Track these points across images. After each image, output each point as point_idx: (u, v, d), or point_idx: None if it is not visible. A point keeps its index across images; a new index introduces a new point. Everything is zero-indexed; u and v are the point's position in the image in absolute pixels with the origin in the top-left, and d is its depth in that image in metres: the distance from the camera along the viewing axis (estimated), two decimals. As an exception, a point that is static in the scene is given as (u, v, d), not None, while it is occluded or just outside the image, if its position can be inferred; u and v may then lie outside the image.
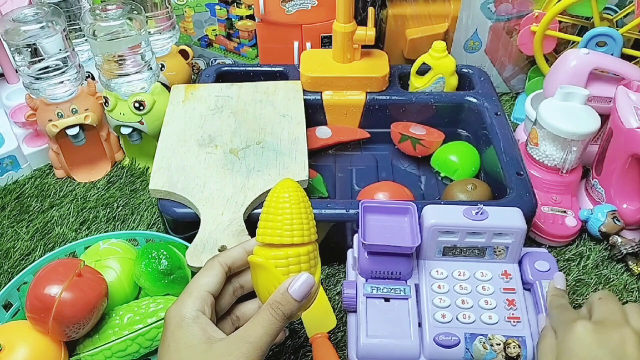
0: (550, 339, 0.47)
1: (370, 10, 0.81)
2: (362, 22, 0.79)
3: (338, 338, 0.60)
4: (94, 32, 0.70)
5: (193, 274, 0.60)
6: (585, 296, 0.65)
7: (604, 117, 0.70)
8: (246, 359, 0.41)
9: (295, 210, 0.45)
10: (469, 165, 0.74)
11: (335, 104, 0.79)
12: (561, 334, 0.46)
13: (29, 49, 0.70)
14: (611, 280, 0.67)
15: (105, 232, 0.73)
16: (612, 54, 0.77)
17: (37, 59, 0.71)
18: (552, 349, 0.46)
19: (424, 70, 0.81)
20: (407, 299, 0.54)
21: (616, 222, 0.68)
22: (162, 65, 0.85)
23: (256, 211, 0.61)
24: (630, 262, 0.67)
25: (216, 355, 0.40)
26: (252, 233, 0.57)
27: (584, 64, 0.72)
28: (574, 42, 0.84)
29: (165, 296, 0.59)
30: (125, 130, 0.77)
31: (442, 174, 0.76)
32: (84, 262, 0.57)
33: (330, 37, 0.81)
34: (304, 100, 0.76)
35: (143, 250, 0.60)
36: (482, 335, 0.52)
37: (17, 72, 0.84)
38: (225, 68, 0.85)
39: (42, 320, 0.53)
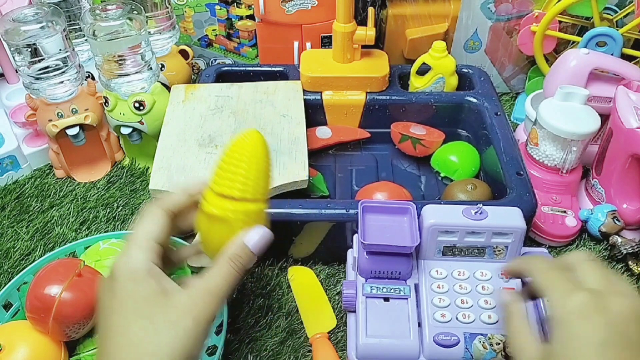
0: (520, 303, 0.45)
1: (370, 10, 0.81)
2: (362, 22, 0.79)
3: (338, 338, 0.60)
4: (94, 32, 0.70)
5: (193, 274, 0.60)
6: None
7: (604, 117, 0.70)
8: (209, 310, 0.40)
9: (262, 166, 0.43)
10: (469, 166, 0.74)
11: (335, 104, 0.79)
12: (557, 304, 0.40)
13: (29, 49, 0.70)
14: (611, 280, 0.66)
15: (105, 232, 0.73)
16: (612, 54, 0.77)
17: (37, 59, 0.71)
18: (524, 314, 0.44)
19: (424, 70, 0.81)
20: (406, 298, 0.54)
21: (616, 222, 0.68)
22: (162, 65, 0.85)
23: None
24: (630, 262, 0.67)
25: (177, 306, 0.39)
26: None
27: (584, 64, 0.72)
28: (574, 42, 0.84)
29: None
30: (125, 130, 0.77)
31: (442, 174, 0.76)
32: (84, 262, 0.57)
33: (330, 37, 0.81)
34: (304, 100, 0.76)
35: None
36: (481, 334, 0.52)
37: (17, 72, 0.84)
38: (225, 68, 0.85)
39: (42, 320, 0.53)
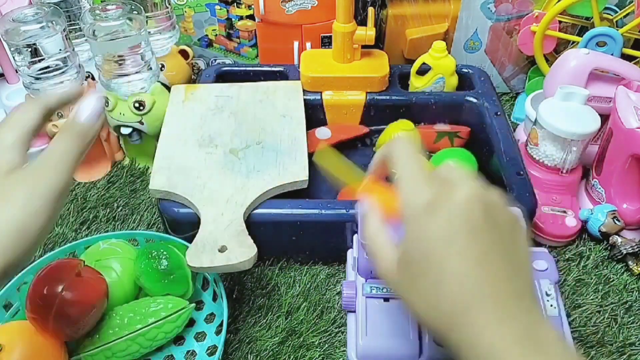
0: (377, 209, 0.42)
1: (370, 10, 0.81)
2: (362, 22, 0.79)
3: (338, 338, 0.60)
4: (94, 32, 0.70)
5: (193, 274, 0.60)
6: (585, 296, 0.65)
7: (604, 117, 0.70)
8: (47, 181, 0.39)
9: None
10: None
11: (335, 104, 0.79)
12: (407, 202, 0.38)
13: (29, 49, 0.70)
14: (611, 280, 0.67)
15: (105, 232, 0.73)
16: (612, 54, 0.77)
17: (37, 59, 0.71)
18: (379, 219, 0.41)
19: (424, 70, 0.81)
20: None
21: (616, 222, 0.68)
22: (162, 65, 0.85)
23: (256, 211, 0.61)
24: (630, 262, 0.67)
25: (10, 181, 0.39)
26: (253, 234, 0.57)
27: (584, 64, 0.72)
28: (574, 42, 0.84)
29: (166, 296, 0.59)
30: (125, 130, 0.77)
31: None
32: (83, 262, 0.57)
33: (330, 37, 0.81)
34: (304, 100, 0.76)
35: (143, 250, 0.60)
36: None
37: (17, 72, 0.84)
38: (225, 68, 0.85)
39: (42, 320, 0.53)
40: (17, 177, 0.39)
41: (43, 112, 0.43)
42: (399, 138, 0.43)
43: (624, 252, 0.67)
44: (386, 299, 0.54)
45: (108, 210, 0.76)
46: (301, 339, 0.60)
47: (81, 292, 0.53)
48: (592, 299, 0.64)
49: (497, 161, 0.69)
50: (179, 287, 0.60)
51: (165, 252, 0.59)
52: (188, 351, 0.59)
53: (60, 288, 0.52)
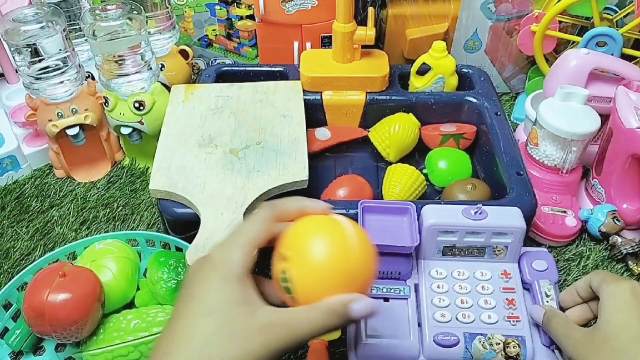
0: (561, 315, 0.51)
1: (370, 10, 0.81)
2: (362, 22, 0.79)
3: (337, 338, 0.60)
4: (94, 32, 0.70)
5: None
6: (585, 296, 0.64)
7: (604, 117, 0.70)
8: (280, 344, 0.38)
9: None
10: (455, 176, 0.73)
11: (335, 104, 0.79)
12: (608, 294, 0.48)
13: (29, 49, 0.70)
14: (611, 280, 0.66)
15: (105, 232, 0.73)
16: (612, 54, 0.77)
17: (37, 59, 0.71)
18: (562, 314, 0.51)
19: (424, 70, 0.81)
20: (406, 298, 0.54)
21: (616, 222, 0.68)
22: (162, 65, 0.85)
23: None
24: (630, 262, 0.67)
25: (257, 324, 0.37)
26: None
27: (584, 64, 0.72)
28: (574, 42, 0.84)
29: None
30: (125, 130, 0.77)
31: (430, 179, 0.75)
32: (71, 263, 0.57)
33: (330, 37, 0.81)
34: (304, 100, 0.76)
35: (158, 259, 0.60)
36: (481, 334, 0.52)
37: (17, 72, 0.84)
38: (225, 68, 0.85)
39: (41, 327, 0.53)
40: (260, 321, 0.38)
41: (273, 227, 0.42)
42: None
43: (624, 252, 0.67)
44: (386, 299, 0.54)
45: (108, 210, 0.76)
46: (301, 339, 0.59)
47: (69, 292, 0.53)
48: (592, 299, 0.64)
49: (497, 161, 0.69)
50: None
51: (183, 261, 0.59)
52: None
53: (45, 294, 0.52)
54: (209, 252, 0.41)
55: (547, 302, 0.54)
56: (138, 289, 0.62)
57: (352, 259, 0.39)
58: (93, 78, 0.85)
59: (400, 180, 0.71)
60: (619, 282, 0.48)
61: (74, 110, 0.76)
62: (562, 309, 0.54)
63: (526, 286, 0.56)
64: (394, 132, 0.75)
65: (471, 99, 0.78)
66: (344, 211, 0.61)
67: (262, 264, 0.42)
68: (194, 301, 0.38)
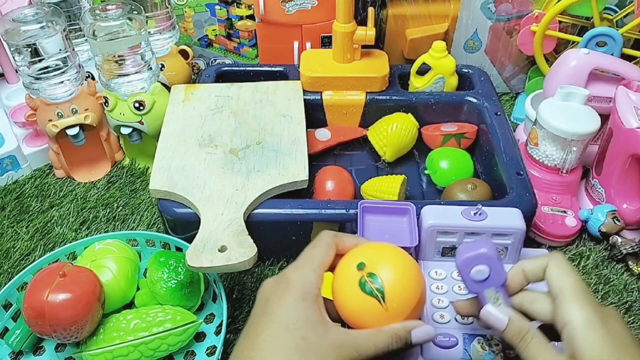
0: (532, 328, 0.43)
1: (370, 10, 0.81)
2: (362, 22, 0.79)
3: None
4: (94, 32, 0.70)
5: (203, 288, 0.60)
6: (585, 296, 0.64)
7: (604, 117, 0.70)
8: None
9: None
10: (457, 176, 0.73)
11: (335, 104, 0.79)
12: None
13: (29, 49, 0.70)
14: (611, 280, 0.67)
15: (105, 232, 0.73)
16: (612, 54, 0.77)
17: (37, 59, 0.71)
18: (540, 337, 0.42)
19: (424, 70, 0.81)
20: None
21: (616, 222, 0.68)
22: (162, 65, 0.85)
23: (256, 211, 0.61)
24: (630, 262, 0.67)
25: (330, 342, 0.41)
26: (253, 234, 0.57)
27: (584, 64, 0.72)
28: (574, 42, 0.84)
29: (175, 307, 0.59)
30: (125, 130, 0.77)
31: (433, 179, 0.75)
32: (71, 263, 0.57)
33: (330, 37, 0.81)
34: (304, 100, 0.76)
35: (157, 259, 0.60)
36: (480, 336, 0.52)
37: (17, 72, 0.84)
38: (225, 68, 0.85)
39: (41, 327, 0.53)
40: (333, 339, 0.41)
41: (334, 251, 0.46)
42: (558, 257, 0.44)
43: (624, 252, 0.67)
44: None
45: (108, 210, 0.76)
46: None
47: (69, 292, 0.53)
48: (592, 299, 0.64)
49: (497, 161, 0.69)
50: (192, 301, 0.60)
51: (183, 261, 0.59)
52: (188, 351, 0.59)
53: (45, 294, 0.52)
54: (282, 273, 0.44)
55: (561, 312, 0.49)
56: (138, 289, 0.62)
57: (422, 283, 0.44)
58: (93, 78, 0.85)
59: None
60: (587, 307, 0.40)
61: (74, 110, 0.76)
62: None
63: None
64: (392, 131, 0.75)
65: (471, 99, 0.78)
66: (343, 211, 0.61)
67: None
68: (274, 317, 0.41)
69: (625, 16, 0.80)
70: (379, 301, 0.42)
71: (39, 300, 0.52)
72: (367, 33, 0.76)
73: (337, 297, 0.44)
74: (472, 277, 0.43)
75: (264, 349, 0.40)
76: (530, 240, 0.71)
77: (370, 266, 0.43)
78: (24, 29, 0.70)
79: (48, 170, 0.83)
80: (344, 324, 0.45)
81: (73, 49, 0.75)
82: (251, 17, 0.93)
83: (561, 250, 0.70)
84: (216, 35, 0.99)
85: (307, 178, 0.64)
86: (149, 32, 0.81)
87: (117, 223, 0.74)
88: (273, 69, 0.85)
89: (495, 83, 0.87)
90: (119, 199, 0.77)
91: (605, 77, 0.75)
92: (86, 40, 0.75)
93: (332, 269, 0.46)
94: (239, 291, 0.64)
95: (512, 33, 0.89)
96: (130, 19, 0.71)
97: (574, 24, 0.84)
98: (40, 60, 0.72)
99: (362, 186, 0.73)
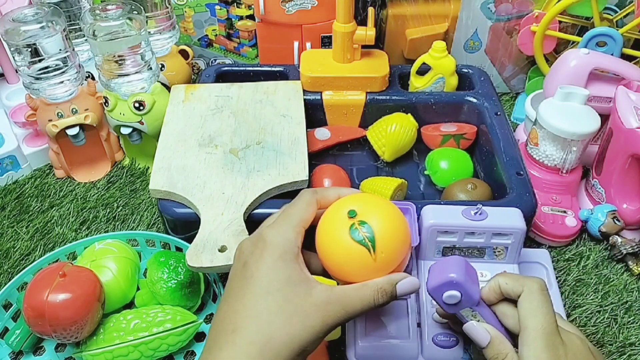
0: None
1: (370, 10, 0.81)
2: (362, 22, 0.79)
3: (337, 338, 0.60)
4: (94, 32, 0.70)
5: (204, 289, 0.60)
6: (585, 296, 0.65)
7: (604, 117, 0.70)
8: (336, 320, 0.40)
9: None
10: (457, 176, 0.73)
11: (335, 104, 0.79)
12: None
13: (29, 49, 0.70)
14: (611, 280, 0.67)
15: (105, 232, 0.73)
16: (612, 54, 0.77)
17: (37, 59, 0.71)
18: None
19: (424, 70, 0.81)
20: (406, 299, 0.54)
21: (616, 222, 0.68)
22: (162, 65, 0.85)
23: (256, 211, 0.61)
24: (630, 262, 0.67)
25: (314, 301, 0.40)
26: (252, 233, 0.57)
27: (584, 64, 0.72)
28: (574, 42, 0.84)
29: (175, 307, 0.59)
30: (125, 130, 0.77)
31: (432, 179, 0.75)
32: (71, 263, 0.57)
33: (330, 37, 0.81)
34: (304, 100, 0.76)
35: (157, 259, 0.60)
36: (481, 335, 0.52)
37: (17, 72, 0.84)
38: (225, 68, 0.85)
39: (41, 327, 0.53)
40: (317, 299, 0.40)
41: (315, 207, 0.45)
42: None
43: (624, 252, 0.67)
44: (386, 299, 0.54)
45: (108, 210, 0.76)
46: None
47: (69, 292, 0.53)
48: (592, 299, 0.64)
49: (497, 161, 0.69)
50: (192, 301, 0.60)
51: (183, 261, 0.59)
52: (188, 351, 0.59)
53: (45, 294, 0.53)
54: (259, 233, 0.43)
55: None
56: (138, 289, 0.62)
57: (409, 238, 0.44)
58: (93, 78, 0.85)
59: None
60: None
61: (74, 110, 0.76)
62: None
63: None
64: (391, 131, 0.75)
65: (471, 99, 0.78)
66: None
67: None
68: (253, 280, 0.40)
69: (625, 16, 0.80)
70: (369, 250, 0.41)
71: (39, 300, 0.52)
72: (367, 33, 0.76)
73: (323, 245, 0.43)
74: (445, 302, 0.43)
75: (245, 315, 0.39)
76: (530, 240, 0.71)
77: (361, 214, 0.42)
78: (24, 29, 0.70)
79: (48, 170, 0.83)
80: (328, 276, 0.43)
81: (73, 49, 0.75)
82: (251, 17, 0.93)
83: (561, 250, 0.70)
84: (216, 35, 0.99)
85: (307, 178, 0.64)
86: (149, 32, 0.81)
87: (117, 223, 0.74)
88: (273, 69, 0.85)
89: (495, 83, 0.87)
90: (119, 199, 0.77)
91: (605, 77, 0.75)
92: (86, 40, 0.75)
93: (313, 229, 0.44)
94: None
95: (512, 33, 0.89)
96: (130, 19, 0.71)
97: (574, 24, 0.84)
98: (40, 60, 0.72)
99: (360, 184, 0.73)
